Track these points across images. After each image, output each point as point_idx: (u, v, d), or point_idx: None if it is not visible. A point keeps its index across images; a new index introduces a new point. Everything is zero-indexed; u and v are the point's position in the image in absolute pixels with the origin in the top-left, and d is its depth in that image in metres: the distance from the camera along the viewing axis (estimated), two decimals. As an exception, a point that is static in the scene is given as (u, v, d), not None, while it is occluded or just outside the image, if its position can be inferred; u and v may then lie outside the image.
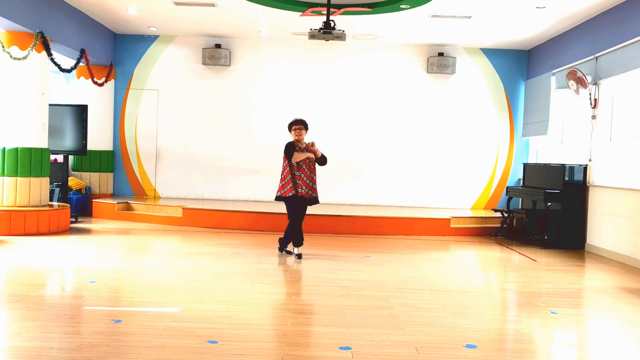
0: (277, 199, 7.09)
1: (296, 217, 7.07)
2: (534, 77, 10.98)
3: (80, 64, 9.76)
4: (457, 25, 9.71)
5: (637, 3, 7.64)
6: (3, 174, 8.29)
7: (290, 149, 7.00)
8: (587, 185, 8.76)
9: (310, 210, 10.09)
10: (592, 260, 7.86)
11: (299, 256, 7.06)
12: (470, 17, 9.17)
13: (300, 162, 6.94)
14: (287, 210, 7.14)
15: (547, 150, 10.73)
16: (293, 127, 7.07)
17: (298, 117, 7.23)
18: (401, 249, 8.22)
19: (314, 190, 7.03)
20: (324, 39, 8.14)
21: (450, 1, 8.42)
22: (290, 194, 6.92)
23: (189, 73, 11.51)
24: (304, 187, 6.92)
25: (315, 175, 7.07)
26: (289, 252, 7.30)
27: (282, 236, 7.35)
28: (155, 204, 10.49)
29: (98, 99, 11.16)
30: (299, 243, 7.13)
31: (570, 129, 9.77)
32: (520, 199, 10.40)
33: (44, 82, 8.70)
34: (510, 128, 11.52)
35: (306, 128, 7.10)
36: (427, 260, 7.46)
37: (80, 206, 10.61)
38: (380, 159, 11.50)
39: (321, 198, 11.30)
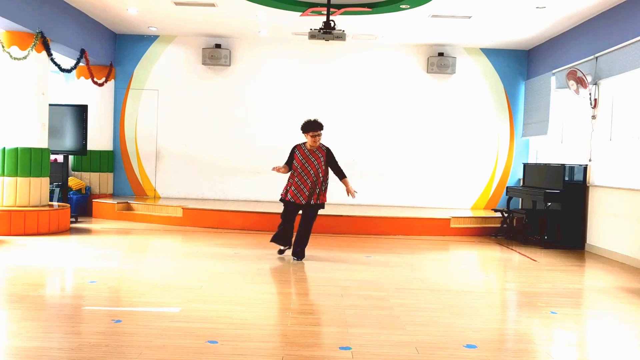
0: (282, 200, 6.79)
1: (288, 222, 6.73)
2: (534, 77, 10.98)
3: (80, 64, 9.76)
4: (457, 25, 9.71)
5: (637, 3, 7.64)
6: (3, 174, 8.29)
7: (290, 156, 6.69)
8: (587, 185, 8.76)
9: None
10: (592, 260, 7.86)
11: (281, 252, 6.96)
12: (470, 17, 9.17)
13: (306, 166, 6.54)
14: (282, 212, 6.83)
15: (547, 150, 10.73)
16: (311, 133, 6.54)
17: (314, 119, 6.64)
18: (401, 249, 8.22)
19: (305, 196, 6.54)
20: (324, 39, 8.13)
21: (450, 1, 8.43)
22: (283, 198, 6.70)
23: (189, 73, 11.51)
24: (311, 193, 6.53)
25: (318, 181, 6.58)
26: (281, 252, 7.06)
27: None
28: (155, 204, 10.49)
29: (98, 99, 11.16)
30: (297, 253, 6.81)
31: (570, 129, 9.77)
32: (520, 199, 10.40)
33: (44, 82, 8.70)
34: (510, 128, 11.52)
35: (322, 130, 6.65)
36: (427, 260, 7.46)
37: (80, 206, 10.62)
38: (381, 159, 11.50)
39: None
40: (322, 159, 6.64)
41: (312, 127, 6.57)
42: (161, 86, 11.52)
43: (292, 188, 6.59)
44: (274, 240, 6.94)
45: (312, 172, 6.56)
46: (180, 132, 11.53)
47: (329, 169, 6.81)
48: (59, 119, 9.80)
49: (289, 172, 6.77)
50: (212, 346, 3.70)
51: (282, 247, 7.02)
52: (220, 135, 11.51)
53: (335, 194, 11.30)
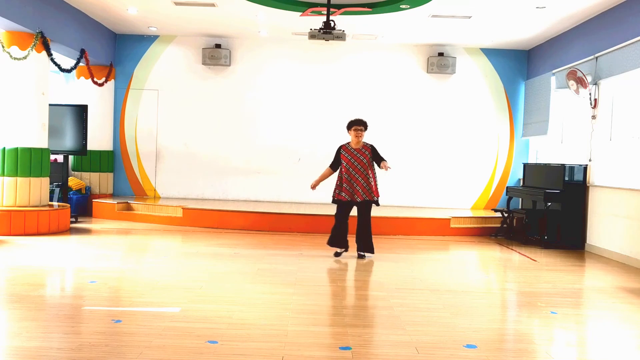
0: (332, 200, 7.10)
1: (341, 221, 7.01)
2: (534, 77, 10.98)
3: (80, 64, 9.76)
4: (457, 25, 9.71)
5: (637, 3, 7.64)
6: (3, 174, 8.29)
7: (336, 156, 7.02)
8: (587, 185, 8.76)
9: (312, 210, 10.15)
10: (592, 260, 7.86)
11: (338, 254, 7.04)
12: (470, 17, 9.17)
13: (355, 164, 6.84)
14: (336, 211, 7.11)
15: (547, 150, 10.72)
16: (353, 128, 6.95)
17: (358, 117, 7.09)
18: (401, 249, 8.21)
19: (359, 193, 6.83)
20: (324, 39, 8.13)
21: (450, 1, 8.42)
22: (336, 198, 6.98)
23: (189, 73, 11.51)
24: (355, 191, 6.82)
25: (366, 178, 6.86)
26: (338, 254, 7.19)
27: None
28: (155, 204, 10.49)
29: (98, 99, 11.16)
30: (362, 248, 7.06)
31: (570, 129, 9.77)
32: (520, 199, 10.40)
33: (44, 82, 8.70)
34: (510, 128, 11.52)
35: (366, 128, 6.98)
36: (427, 260, 7.46)
37: (80, 206, 10.61)
38: (380, 159, 11.49)
39: (322, 198, 11.42)
40: (368, 156, 6.92)
41: (354, 122, 7.01)
42: (161, 86, 11.52)
43: (345, 185, 6.88)
44: (330, 243, 7.18)
45: (361, 169, 6.86)
46: (180, 132, 11.53)
47: (374, 165, 7.07)
48: (59, 119, 9.80)
49: (334, 173, 7.07)
50: (212, 346, 3.70)
51: (338, 250, 7.21)
52: (220, 135, 11.51)
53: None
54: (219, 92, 11.52)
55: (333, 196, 7.05)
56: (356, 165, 6.88)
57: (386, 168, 6.76)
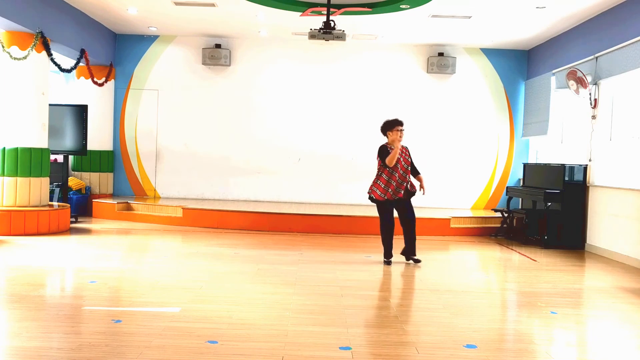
0: (372, 200, 6.84)
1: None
2: (534, 77, 10.98)
3: (80, 64, 9.76)
4: (457, 25, 9.71)
5: (637, 3, 7.64)
6: (3, 174, 8.29)
7: (385, 152, 6.79)
8: (587, 185, 8.76)
9: (312, 210, 10.15)
10: (592, 260, 7.86)
11: (417, 261, 6.88)
12: (470, 17, 9.17)
13: (403, 164, 6.73)
14: (380, 213, 6.88)
15: (547, 150, 10.73)
16: (396, 128, 6.69)
17: (395, 117, 6.85)
18: (401, 248, 8.19)
19: (400, 193, 6.71)
20: (324, 39, 8.13)
21: (450, 1, 8.42)
22: (386, 199, 6.74)
23: (189, 73, 11.51)
24: (399, 189, 6.69)
25: (404, 178, 6.74)
26: (388, 263, 6.92)
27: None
28: (155, 204, 10.49)
29: (98, 99, 11.16)
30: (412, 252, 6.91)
31: (570, 129, 9.77)
32: (520, 199, 10.40)
33: (44, 82, 8.70)
34: (510, 128, 11.52)
35: None
36: (427, 260, 7.45)
37: (80, 206, 10.61)
38: (380, 159, 11.49)
39: (322, 198, 11.47)
40: (407, 155, 6.87)
41: (396, 122, 6.78)
42: (161, 86, 11.52)
43: (383, 186, 6.74)
44: (385, 256, 7.02)
45: (401, 169, 6.76)
46: (180, 132, 11.53)
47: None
48: (59, 119, 9.80)
49: (382, 172, 6.84)
50: (212, 346, 3.70)
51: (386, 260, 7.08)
52: (220, 135, 11.51)
53: (335, 194, 11.37)
54: (218, 92, 11.52)
55: (374, 196, 6.80)
56: (403, 165, 6.76)
57: (424, 191, 6.80)
